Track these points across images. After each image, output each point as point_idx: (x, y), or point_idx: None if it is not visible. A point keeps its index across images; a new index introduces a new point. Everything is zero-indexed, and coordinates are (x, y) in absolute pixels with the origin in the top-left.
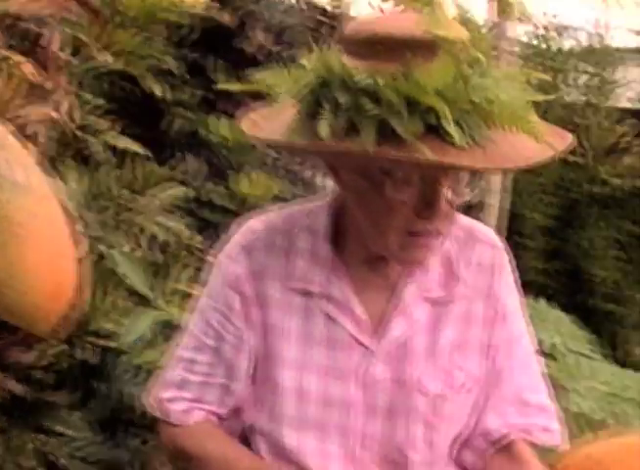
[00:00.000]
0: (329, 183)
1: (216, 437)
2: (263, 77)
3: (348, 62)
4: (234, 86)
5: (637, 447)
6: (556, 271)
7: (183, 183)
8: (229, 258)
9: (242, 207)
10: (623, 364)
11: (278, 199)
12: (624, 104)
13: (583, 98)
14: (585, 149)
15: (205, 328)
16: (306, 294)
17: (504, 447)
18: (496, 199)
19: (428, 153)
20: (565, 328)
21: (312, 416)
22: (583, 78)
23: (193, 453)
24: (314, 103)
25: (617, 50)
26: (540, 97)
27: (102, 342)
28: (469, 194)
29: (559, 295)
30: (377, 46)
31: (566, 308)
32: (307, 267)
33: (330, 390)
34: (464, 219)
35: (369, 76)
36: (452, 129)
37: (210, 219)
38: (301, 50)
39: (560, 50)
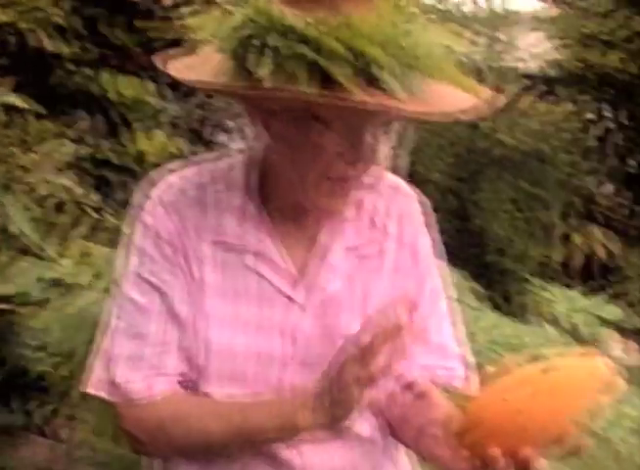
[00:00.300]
0: (231, 142)
1: (198, 397)
2: (194, 22)
3: (283, 8)
4: (152, 29)
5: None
6: (457, 230)
7: (77, 141)
8: (155, 216)
9: (139, 165)
10: (516, 317)
11: (176, 157)
12: (522, 67)
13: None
14: None
15: (149, 293)
16: (233, 249)
17: (408, 386)
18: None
19: (364, 96)
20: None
21: (244, 373)
22: (483, 41)
23: (179, 420)
24: (246, 49)
25: (516, 14)
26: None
27: None
28: (391, 144)
29: (460, 253)
30: None
31: (465, 265)
32: (234, 223)
33: (262, 345)
34: (389, 176)
35: (310, 25)
36: (388, 77)
37: (107, 177)
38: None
39: (463, 14)
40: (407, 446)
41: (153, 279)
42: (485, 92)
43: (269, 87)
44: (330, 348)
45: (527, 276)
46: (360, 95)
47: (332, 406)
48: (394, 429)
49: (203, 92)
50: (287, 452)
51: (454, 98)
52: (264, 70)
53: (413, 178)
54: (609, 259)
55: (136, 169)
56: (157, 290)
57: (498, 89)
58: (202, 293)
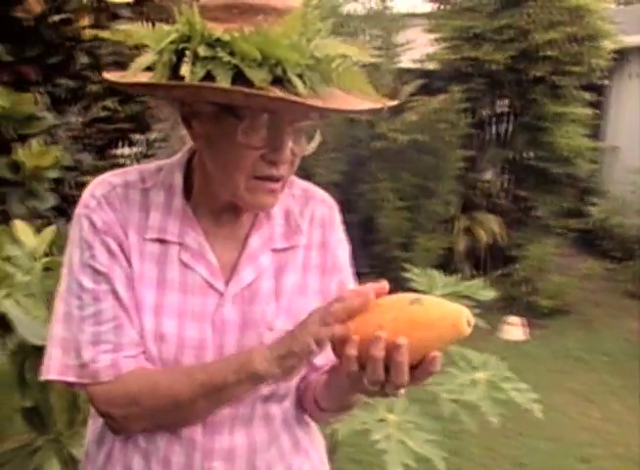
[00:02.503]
0: (126, 152)
1: (161, 370)
2: (131, 30)
3: (208, 23)
4: (104, 34)
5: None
6: (347, 224)
7: None
8: (89, 207)
9: (28, 177)
10: None
11: (68, 169)
12: (410, 65)
13: (371, 60)
14: None
15: (95, 277)
16: (163, 243)
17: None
18: None
19: (275, 93)
20: None
21: (171, 357)
22: (371, 42)
23: (149, 390)
24: (175, 56)
25: (402, 15)
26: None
27: None
28: (309, 147)
29: (353, 246)
30: (232, 10)
31: (358, 257)
32: (162, 219)
33: (185, 332)
34: (300, 181)
35: (225, 31)
36: (296, 80)
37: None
38: (84, 19)
39: (349, 15)
40: (320, 410)
41: (96, 265)
42: (377, 97)
43: (196, 84)
44: (247, 335)
45: (407, 265)
46: (269, 91)
47: (286, 357)
48: (305, 400)
49: (136, 92)
50: (190, 430)
51: (350, 100)
52: (196, 76)
53: (301, 176)
54: (494, 243)
55: (23, 181)
56: (101, 274)
57: (395, 90)
58: (132, 281)
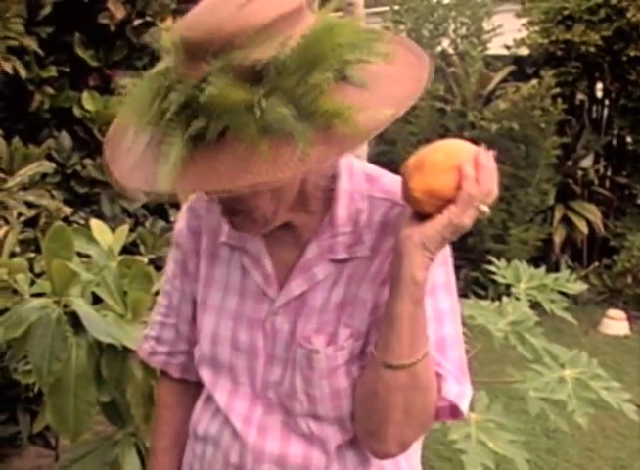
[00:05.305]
0: None
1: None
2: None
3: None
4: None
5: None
6: None
7: (50, 159)
8: (181, 214)
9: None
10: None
11: None
12: (500, 51)
13: (460, 48)
14: (455, 96)
15: (166, 276)
16: (230, 247)
17: None
18: (364, 149)
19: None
20: None
21: (224, 358)
22: (462, 29)
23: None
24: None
25: (491, 0)
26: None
27: None
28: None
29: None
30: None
31: (451, 250)
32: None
33: (239, 335)
34: (386, 182)
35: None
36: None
37: (80, 192)
38: (165, 21)
39: (439, 2)
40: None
41: (167, 267)
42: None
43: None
44: (294, 346)
45: (493, 258)
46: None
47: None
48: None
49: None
50: (244, 430)
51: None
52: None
53: (389, 168)
54: (593, 233)
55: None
56: (168, 277)
57: (485, 77)
58: (202, 285)
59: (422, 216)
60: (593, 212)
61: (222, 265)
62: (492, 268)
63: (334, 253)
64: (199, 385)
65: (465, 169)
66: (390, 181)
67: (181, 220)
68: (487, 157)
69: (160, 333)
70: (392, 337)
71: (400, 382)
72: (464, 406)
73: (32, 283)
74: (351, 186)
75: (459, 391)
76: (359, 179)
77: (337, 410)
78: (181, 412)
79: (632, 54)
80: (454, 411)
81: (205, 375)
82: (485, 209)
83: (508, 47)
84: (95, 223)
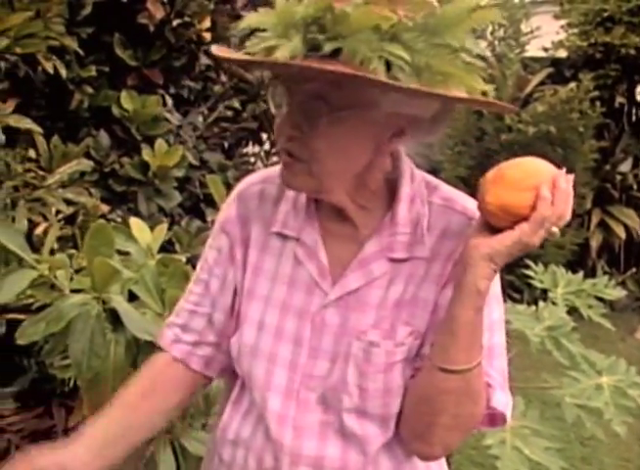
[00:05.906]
0: (256, 150)
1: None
2: (253, 18)
3: None
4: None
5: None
6: None
7: (89, 157)
8: (226, 203)
9: (154, 177)
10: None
11: (194, 168)
12: (538, 53)
13: (497, 50)
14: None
15: (203, 263)
16: (283, 237)
17: None
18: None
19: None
20: None
21: (265, 346)
22: (499, 31)
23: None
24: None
25: (529, 2)
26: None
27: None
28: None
29: None
30: None
31: None
32: (287, 213)
33: (285, 325)
34: (447, 190)
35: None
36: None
37: (118, 190)
38: (204, 22)
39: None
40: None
41: (207, 255)
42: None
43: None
44: (342, 341)
45: (530, 262)
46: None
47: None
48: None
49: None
50: (279, 432)
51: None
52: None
53: (428, 171)
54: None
55: (148, 180)
56: (207, 263)
57: (522, 80)
58: (250, 273)
59: (492, 228)
60: (631, 217)
61: (272, 256)
62: (529, 272)
63: (393, 251)
64: (204, 385)
65: (543, 191)
66: (448, 190)
67: (229, 208)
68: (566, 180)
69: (189, 321)
70: (451, 342)
71: (453, 387)
72: (509, 415)
73: (70, 279)
74: (412, 190)
75: (506, 400)
76: (420, 185)
77: (385, 408)
78: (169, 398)
79: None
80: (493, 419)
81: (243, 368)
82: (556, 230)
83: (546, 49)
84: (134, 221)
